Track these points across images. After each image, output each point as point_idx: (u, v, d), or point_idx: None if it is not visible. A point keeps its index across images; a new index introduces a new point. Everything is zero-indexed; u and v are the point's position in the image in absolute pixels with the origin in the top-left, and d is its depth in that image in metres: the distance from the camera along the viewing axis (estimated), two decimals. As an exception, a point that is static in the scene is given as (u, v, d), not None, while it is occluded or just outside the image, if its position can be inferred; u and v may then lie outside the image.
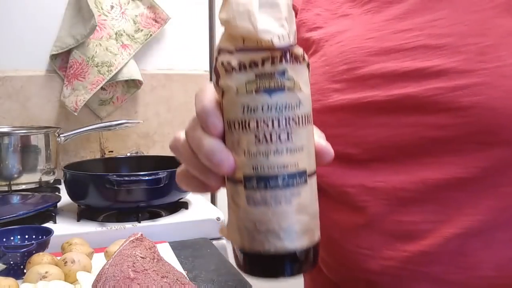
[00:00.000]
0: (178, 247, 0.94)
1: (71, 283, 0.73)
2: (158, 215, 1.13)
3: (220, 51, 0.34)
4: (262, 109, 0.33)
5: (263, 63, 0.33)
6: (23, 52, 1.42)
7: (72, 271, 0.75)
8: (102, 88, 1.43)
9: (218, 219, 1.12)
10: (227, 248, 1.09)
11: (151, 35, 1.50)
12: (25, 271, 0.77)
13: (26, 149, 1.26)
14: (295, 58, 0.34)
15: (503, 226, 0.40)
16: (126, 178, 1.02)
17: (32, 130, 1.34)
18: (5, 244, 0.86)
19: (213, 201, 1.71)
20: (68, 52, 1.41)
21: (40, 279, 0.71)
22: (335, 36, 0.54)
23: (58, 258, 0.79)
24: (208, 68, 1.64)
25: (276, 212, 0.33)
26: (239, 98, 0.33)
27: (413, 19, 0.48)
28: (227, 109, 0.34)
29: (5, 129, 1.34)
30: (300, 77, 0.34)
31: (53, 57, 1.43)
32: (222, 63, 0.33)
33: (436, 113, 0.44)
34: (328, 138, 0.44)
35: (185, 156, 0.36)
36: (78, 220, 1.09)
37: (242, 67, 0.33)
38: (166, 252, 0.88)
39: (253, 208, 0.34)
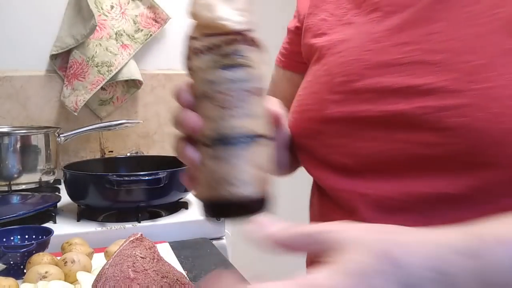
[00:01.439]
0: (178, 247, 0.94)
1: (71, 283, 0.73)
2: (158, 215, 1.13)
3: (190, 38, 0.43)
4: (221, 82, 0.41)
5: (222, 45, 0.41)
6: (23, 52, 1.42)
7: (72, 271, 0.75)
8: (102, 88, 1.43)
9: (218, 219, 1.12)
10: (227, 248, 1.09)
11: (151, 35, 1.50)
12: (25, 271, 0.77)
13: (26, 149, 1.26)
14: (250, 41, 0.42)
15: None
16: (126, 178, 1.02)
17: (32, 130, 1.34)
18: (5, 244, 0.86)
19: (213, 201, 1.71)
20: (68, 52, 1.41)
21: (40, 279, 0.71)
22: (336, 45, 0.55)
23: (58, 258, 0.79)
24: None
25: (232, 166, 0.41)
26: (204, 75, 0.42)
27: (411, 30, 0.49)
28: (196, 85, 0.42)
29: (5, 129, 1.34)
30: (254, 57, 0.42)
31: (53, 57, 1.43)
32: (191, 48, 0.43)
33: (424, 131, 0.45)
34: (325, 147, 0.52)
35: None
36: (78, 220, 1.09)
37: (206, 49, 0.41)
38: (166, 252, 0.88)
39: (215, 164, 0.42)
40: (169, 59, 1.57)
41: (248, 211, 0.42)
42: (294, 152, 0.61)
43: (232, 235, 1.16)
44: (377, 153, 0.49)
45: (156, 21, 1.51)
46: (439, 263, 0.30)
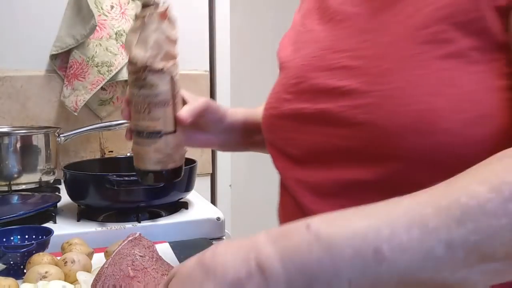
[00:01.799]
0: (178, 247, 0.94)
1: (71, 283, 0.73)
2: (158, 215, 1.13)
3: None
4: (136, 95, 0.64)
5: (136, 72, 0.63)
6: (23, 52, 1.42)
7: (72, 271, 0.75)
8: (102, 88, 1.43)
9: (218, 219, 1.12)
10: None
11: (151, 35, 1.50)
12: (25, 271, 0.77)
13: (26, 149, 1.26)
14: (154, 70, 0.62)
15: None
16: (126, 178, 1.02)
17: (32, 130, 1.34)
18: (5, 244, 0.86)
19: (213, 201, 1.72)
20: (68, 52, 1.41)
21: (40, 279, 0.71)
22: (295, 54, 0.64)
23: (58, 258, 0.79)
24: (208, 68, 1.64)
25: (144, 150, 0.65)
26: (130, 89, 0.65)
27: (348, 39, 0.57)
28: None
29: (5, 129, 1.34)
30: (159, 80, 0.63)
31: (53, 57, 1.43)
32: (127, 69, 0.65)
33: (343, 127, 0.53)
34: (282, 140, 0.63)
35: None
36: (78, 220, 1.09)
37: (130, 72, 0.64)
38: (166, 252, 0.88)
39: (136, 146, 0.66)
40: (169, 59, 1.57)
41: (157, 180, 0.66)
42: (248, 132, 0.76)
43: (232, 235, 1.16)
44: (314, 145, 0.58)
45: (156, 21, 1.51)
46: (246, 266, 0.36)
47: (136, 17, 0.63)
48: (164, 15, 0.62)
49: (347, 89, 0.53)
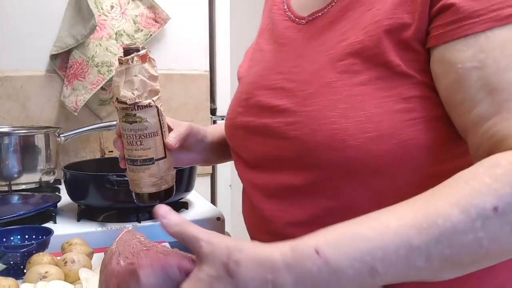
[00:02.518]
0: (178, 247, 0.94)
1: (71, 283, 0.73)
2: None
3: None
4: (128, 130, 0.71)
5: (125, 109, 0.70)
6: (23, 52, 1.42)
7: (72, 271, 0.75)
8: (102, 88, 1.44)
9: (218, 219, 1.12)
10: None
11: (151, 35, 1.50)
12: (25, 271, 0.77)
13: (26, 149, 1.26)
14: (142, 107, 0.69)
15: (321, 226, 0.48)
16: (126, 178, 1.02)
17: (32, 130, 1.34)
18: (5, 244, 0.86)
19: (213, 201, 1.72)
20: (68, 52, 1.41)
21: (40, 279, 0.71)
22: (249, 71, 0.74)
23: (58, 258, 0.79)
24: (208, 68, 1.64)
25: (139, 176, 0.72)
26: (120, 124, 0.72)
27: (285, 62, 0.66)
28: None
29: (5, 129, 1.34)
30: (148, 114, 0.70)
31: (53, 57, 1.43)
32: (115, 107, 0.72)
33: (279, 139, 0.62)
34: (237, 146, 0.72)
35: None
36: (78, 220, 1.09)
37: (119, 109, 0.71)
38: (166, 252, 0.88)
39: (130, 173, 0.73)
40: (169, 59, 1.57)
41: (153, 201, 0.73)
42: (226, 147, 0.81)
43: (232, 235, 1.16)
44: (260, 153, 0.67)
45: (156, 21, 1.51)
46: (266, 274, 0.42)
47: (120, 61, 0.69)
48: (145, 58, 0.69)
49: (282, 108, 0.63)
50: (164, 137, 0.72)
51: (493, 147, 0.49)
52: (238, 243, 0.45)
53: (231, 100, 0.77)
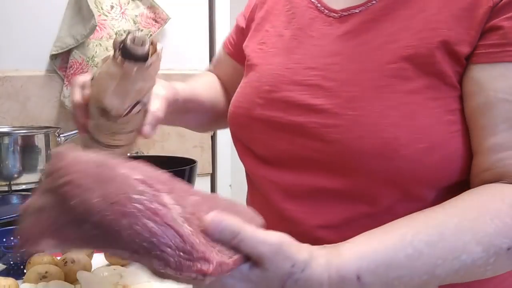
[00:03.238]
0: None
1: (71, 283, 0.73)
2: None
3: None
4: (102, 124, 0.60)
5: (105, 116, 0.58)
6: (23, 52, 1.42)
7: (72, 271, 0.75)
8: (102, 88, 1.43)
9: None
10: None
11: (151, 35, 1.50)
12: (25, 271, 0.77)
13: (26, 149, 1.26)
14: (128, 115, 0.58)
15: (352, 229, 0.52)
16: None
17: (32, 130, 1.34)
18: (5, 244, 0.86)
19: (213, 201, 1.71)
20: (68, 52, 1.41)
21: (40, 279, 0.71)
22: (269, 57, 0.68)
23: (58, 258, 0.79)
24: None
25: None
26: (92, 114, 0.60)
27: (318, 58, 0.62)
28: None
29: (5, 129, 1.34)
30: (132, 119, 0.60)
31: (53, 57, 1.43)
32: (90, 103, 0.60)
33: (313, 140, 0.60)
34: (250, 138, 0.68)
35: None
36: (78, 220, 1.09)
37: (98, 112, 0.58)
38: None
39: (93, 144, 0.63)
40: (169, 59, 1.57)
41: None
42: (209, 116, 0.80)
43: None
44: (284, 151, 0.63)
45: (156, 21, 1.51)
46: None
47: (115, 59, 0.54)
48: (158, 63, 0.57)
49: (319, 108, 0.59)
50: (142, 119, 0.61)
51: (503, 175, 0.54)
52: (302, 259, 0.45)
53: (242, 87, 0.71)
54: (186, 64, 1.60)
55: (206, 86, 0.84)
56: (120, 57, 0.54)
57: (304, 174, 0.61)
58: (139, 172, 0.44)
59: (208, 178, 1.70)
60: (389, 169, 0.56)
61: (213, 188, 1.72)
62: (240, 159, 0.72)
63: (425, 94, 0.56)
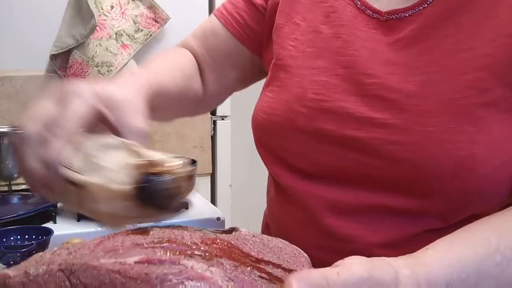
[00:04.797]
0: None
1: (71, 283, 0.73)
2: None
3: None
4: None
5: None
6: (23, 52, 1.42)
7: None
8: (102, 88, 1.43)
9: (218, 219, 1.12)
10: (227, 248, 1.09)
11: (151, 35, 1.50)
12: (25, 271, 0.77)
13: (26, 149, 1.25)
14: None
15: (415, 245, 0.47)
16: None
17: (32, 130, 1.34)
18: (5, 244, 0.86)
19: (213, 201, 1.72)
20: (68, 52, 1.41)
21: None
22: (309, 59, 0.59)
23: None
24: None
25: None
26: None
27: (373, 63, 0.55)
28: None
29: (5, 129, 1.34)
30: None
31: (53, 57, 1.43)
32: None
33: (374, 158, 0.54)
34: (286, 150, 0.60)
35: None
36: (78, 220, 1.09)
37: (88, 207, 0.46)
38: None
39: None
40: (169, 59, 1.57)
41: None
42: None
43: (232, 235, 1.16)
44: (333, 166, 0.57)
45: (156, 21, 1.51)
46: None
47: (131, 198, 0.40)
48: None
49: (383, 122, 0.53)
50: None
51: None
52: (391, 279, 0.39)
53: (274, 90, 0.62)
54: (186, 64, 1.60)
55: (174, 73, 0.67)
56: (139, 198, 0.40)
57: (359, 191, 0.56)
58: None
59: (208, 178, 1.69)
60: (463, 190, 0.51)
61: (213, 188, 1.72)
62: (267, 167, 0.65)
63: (500, 105, 0.52)
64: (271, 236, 0.50)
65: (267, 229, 0.71)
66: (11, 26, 1.41)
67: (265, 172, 0.70)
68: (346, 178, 0.57)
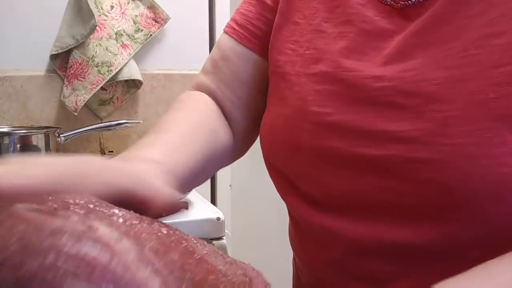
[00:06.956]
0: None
1: (71, 283, 0.73)
2: (158, 215, 1.13)
3: None
4: None
5: None
6: (23, 52, 1.42)
7: (72, 271, 0.75)
8: (102, 88, 1.43)
9: (218, 219, 1.12)
10: (227, 248, 1.09)
11: (151, 35, 1.50)
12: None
13: (26, 149, 1.26)
14: None
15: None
16: (126, 178, 1.02)
17: (32, 130, 1.34)
18: None
19: (213, 201, 1.72)
20: (68, 52, 1.41)
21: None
22: (309, 64, 0.51)
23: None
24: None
25: None
26: None
27: (385, 65, 0.45)
28: None
29: (5, 129, 1.34)
30: None
31: (53, 57, 1.43)
32: None
33: (393, 179, 0.44)
34: (296, 174, 0.50)
35: None
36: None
37: None
38: (166, 252, 0.88)
39: None
40: (169, 59, 1.57)
41: None
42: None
43: (232, 235, 1.16)
44: (347, 192, 0.47)
45: (156, 21, 1.51)
46: None
47: None
48: None
49: (400, 136, 0.43)
50: None
51: None
52: None
53: (274, 102, 0.54)
54: (186, 64, 1.60)
55: (194, 143, 0.53)
56: None
57: (378, 224, 0.46)
58: None
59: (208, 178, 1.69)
60: (506, 214, 0.40)
61: (213, 188, 1.72)
62: (279, 193, 0.56)
63: None
64: None
65: (298, 282, 0.61)
66: (11, 26, 1.41)
67: (265, 172, 0.70)
68: (362, 208, 0.47)
